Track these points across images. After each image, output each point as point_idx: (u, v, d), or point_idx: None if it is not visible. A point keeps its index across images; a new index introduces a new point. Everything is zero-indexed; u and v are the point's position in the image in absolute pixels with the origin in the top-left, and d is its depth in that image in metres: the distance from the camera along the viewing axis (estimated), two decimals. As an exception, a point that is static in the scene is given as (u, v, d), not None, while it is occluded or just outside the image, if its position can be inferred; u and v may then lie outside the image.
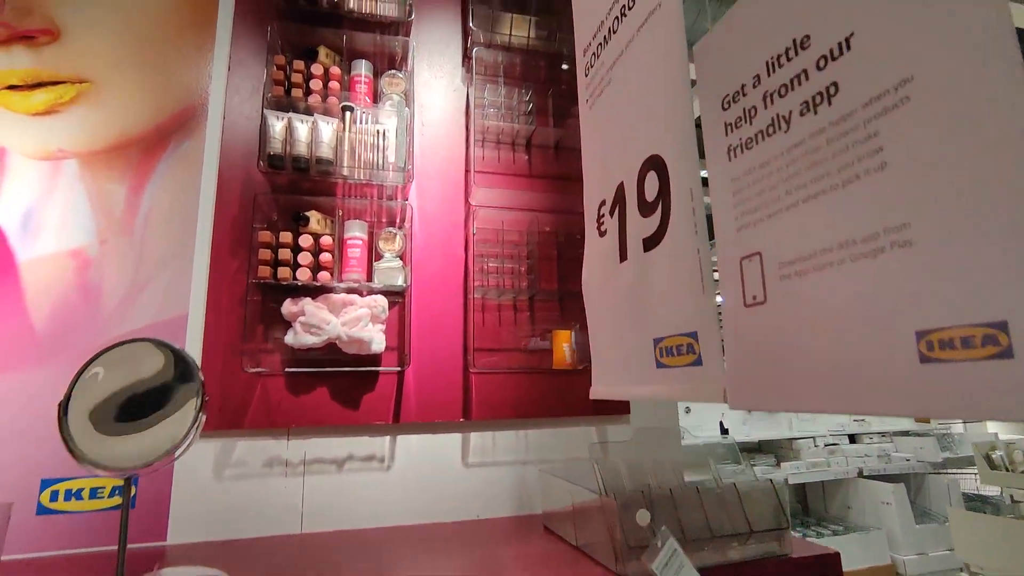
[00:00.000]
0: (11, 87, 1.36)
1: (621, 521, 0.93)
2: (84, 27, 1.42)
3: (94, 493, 1.21)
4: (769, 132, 0.54)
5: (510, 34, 1.59)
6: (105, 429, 0.92)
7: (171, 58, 1.45)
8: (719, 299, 0.63)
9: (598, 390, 0.94)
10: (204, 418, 0.95)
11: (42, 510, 1.17)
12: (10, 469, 1.18)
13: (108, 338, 1.28)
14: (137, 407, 0.94)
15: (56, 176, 1.34)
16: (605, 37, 0.87)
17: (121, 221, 1.35)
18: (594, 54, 0.92)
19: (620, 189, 0.81)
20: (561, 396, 1.46)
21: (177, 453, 0.93)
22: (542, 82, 1.63)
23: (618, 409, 1.50)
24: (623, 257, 0.79)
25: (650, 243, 0.72)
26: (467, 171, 1.54)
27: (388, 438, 1.37)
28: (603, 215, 0.87)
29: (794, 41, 0.52)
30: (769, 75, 0.55)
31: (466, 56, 1.61)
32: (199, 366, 0.96)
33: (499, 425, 1.43)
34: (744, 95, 0.58)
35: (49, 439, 1.20)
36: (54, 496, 1.19)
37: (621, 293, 0.79)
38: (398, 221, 1.46)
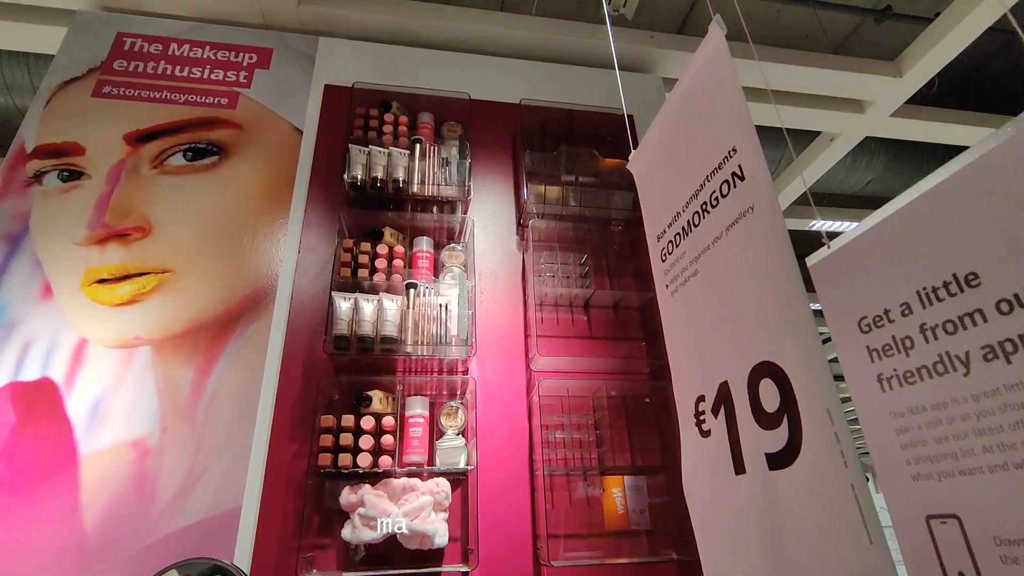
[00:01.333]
0: (100, 281, 1.45)
1: None
2: (172, 223, 1.54)
3: None
4: (939, 370, 0.49)
5: (561, 203, 1.66)
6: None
7: (246, 244, 1.55)
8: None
9: None
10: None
11: None
12: None
13: (159, 537, 1.20)
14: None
15: (129, 364, 1.37)
16: (684, 228, 0.87)
17: (185, 407, 1.34)
18: (671, 241, 0.92)
19: (724, 389, 0.75)
20: (647, 592, 1.27)
21: None
22: (595, 244, 1.66)
23: (714, 607, 1.29)
24: (740, 469, 0.71)
25: (778, 461, 0.64)
26: (527, 336, 1.52)
27: (452, 653, 1.18)
28: (703, 412, 0.80)
29: (955, 276, 0.49)
30: (924, 306, 0.51)
31: (520, 224, 1.67)
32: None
33: (578, 632, 1.24)
34: (890, 321, 0.54)
35: (81, 667, 1.08)
36: None
37: (742, 512, 0.69)
38: (459, 393, 1.41)
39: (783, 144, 2.86)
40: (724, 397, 0.75)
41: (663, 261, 0.96)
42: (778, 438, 0.64)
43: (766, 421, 0.67)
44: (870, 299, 0.57)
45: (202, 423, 1.33)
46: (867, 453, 0.58)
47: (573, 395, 1.46)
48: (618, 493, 1.35)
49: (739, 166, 0.74)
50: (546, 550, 1.26)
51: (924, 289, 0.51)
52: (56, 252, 1.47)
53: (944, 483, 0.47)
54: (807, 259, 0.65)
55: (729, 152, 0.76)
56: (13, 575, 1.14)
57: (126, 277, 1.46)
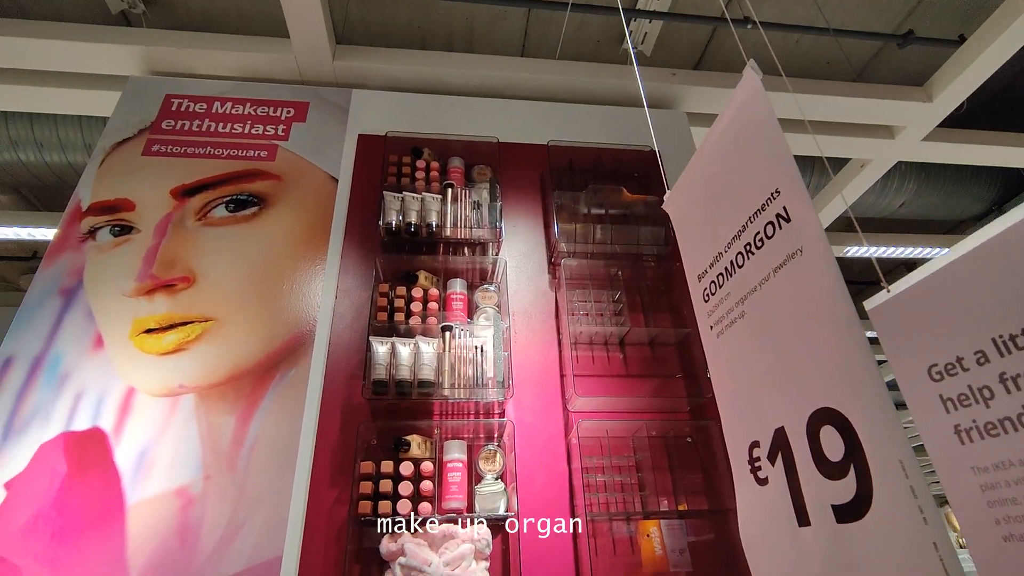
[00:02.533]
0: (147, 331, 1.50)
1: None
2: (215, 272, 1.59)
3: None
4: (1023, 422, 0.47)
5: (591, 241, 1.66)
6: None
7: (285, 291, 1.59)
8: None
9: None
10: None
11: None
12: None
13: (200, 589, 1.20)
14: None
15: (174, 412, 1.40)
16: (727, 269, 0.86)
17: (227, 454, 1.36)
18: (713, 282, 0.91)
19: (780, 435, 0.72)
20: (700, 647, 1.21)
21: None
22: (628, 280, 1.65)
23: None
24: (803, 521, 0.68)
25: (847, 514, 0.61)
26: (563, 376, 1.50)
27: None
28: (758, 459, 0.77)
29: (1033, 325, 0.47)
30: (1002, 355, 0.49)
31: (551, 263, 1.68)
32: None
33: None
34: (964, 369, 0.51)
35: None
36: None
37: (810, 567, 0.66)
38: (496, 436, 1.39)
39: (809, 171, 2.83)
40: (781, 444, 0.72)
41: (706, 302, 0.95)
42: (845, 489, 0.61)
43: (830, 471, 0.64)
44: (940, 346, 0.54)
45: (243, 471, 1.34)
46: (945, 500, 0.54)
47: (612, 436, 1.43)
48: (655, 533, 1.30)
49: (784, 208, 0.73)
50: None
51: (1000, 337, 0.49)
52: (107, 304, 1.53)
53: (1041, 547, 0.44)
54: (865, 303, 0.63)
55: (772, 194, 0.75)
56: (61, 628, 1.14)
57: (172, 327, 1.51)
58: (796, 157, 0.73)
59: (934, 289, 0.55)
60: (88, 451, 1.33)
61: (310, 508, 1.28)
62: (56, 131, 2.59)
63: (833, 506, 0.63)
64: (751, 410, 0.79)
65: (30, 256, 4.09)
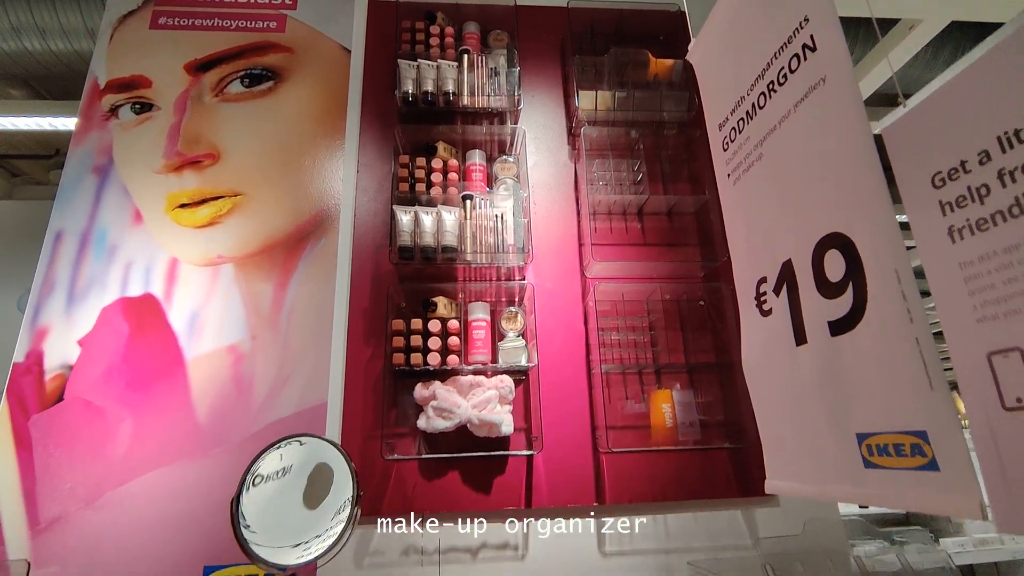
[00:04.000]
0: (181, 205, 1.56)
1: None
2: (238, 148, 1.62)
3: (249, 582, 1.25)
4: (1013, 213, 0.49)
5: (613, 108, 1.62)
6: (268, 526, 0.96)
7: (307, 166, 1.62)
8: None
9: (777, 485, 0.86)
10: (359, 514, 0.97)
11: (204, 599, 1.23)
12: (178, 555, 1.25)
13: (259, 428, 1.37)
14: (298, 502, 0.98)
15: (215, 280, 1.50)
16: (748, 112, 0.85)
17: (269, 317, 1.47)
18: (734, 128, 0.91)
19: (787, 267, 0.76)
20: (701, 475, 1.36)
21: (333, 553, 0.94)
22: (649, 149, 1.63)
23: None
24: (801, 340, 0.73)
25: (840, 327, 0.66)
26: (581, 245, 1.55)
27: (520, 524, 1.32)
28: (764, 293, 0.82)
29: (1035, 118, 0.47)
30: (1004, 150, 0.50)
31: (571, 134, 1.66)
32: (355, 469, 0.98)
33: (636, 509, 1.34)
34: (967, 172, 0.53)
35: (211, 527, 1.28)
36: (214, 585, 1.24)
37: (803, 380, 0.72)
38: (517, 300, 1.47)
39: (854, 38, 2.62)
40: (787, 275, 0.77)
41: (725, 150, 0.95)
42: (841, 305, 0.66)
43: (830, 291, 0.68)
44: (946, 153, 0.55)
45: (285, 332, 1.46)
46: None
47: (628, 299, 1.49)
48: (667, 408, 1.39)
49: (811, 36, 0.71)
50: (604, 438, 1.35)
51: (1006, 133, 0.50)
52: (140, 181, 1.59)
53: (1009, 320, 0.49)
54: (880, 124, 0.63)
55: (800, 22, 0.72)
56: (147, 456, 1.33)
57: (203, 201, 1.57)
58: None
59: (946, 96, 0.55)
60: (144, 314, 1.46)
61: (349, 362, 1.40)
62: (56, 16, 2.51)
63: (829, 322, 0.69)
64: (761, 248, 0.83)
65: (53, 153, 4.13)
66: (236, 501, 0.95)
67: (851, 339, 0.64)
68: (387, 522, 1.28)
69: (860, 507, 3.52)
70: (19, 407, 1.36)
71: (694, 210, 1.59)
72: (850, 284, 0.65)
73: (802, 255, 0.73)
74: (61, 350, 1.41)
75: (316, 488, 0.98)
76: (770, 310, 0.81)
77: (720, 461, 1.37)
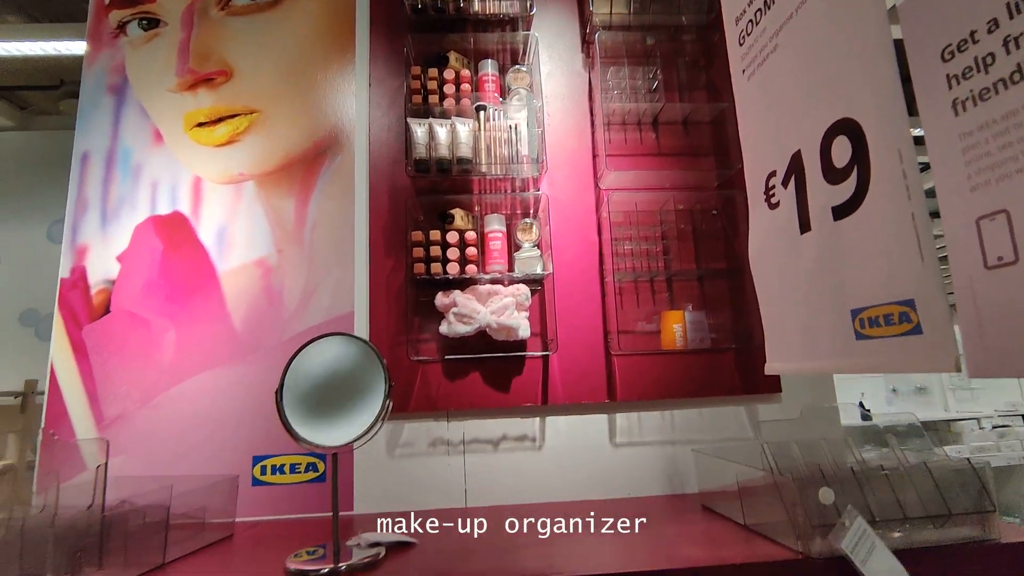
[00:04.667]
0: (199, 124, 1.59)
1: (802, 499, 0.90)
2: (251, 66, 1.61)
3: (293, 468, 1.39)
4: (1015, 79, 0.50)
5: (630, 13, 1.56)
6: (310, 413, 1.06)
7: (320, 83, 1.61)
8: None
9: (775, 367, 0.92)
10: (391, 404, 1.06)
11: (256, 482, 1.38)
12: (229, 448, 1.39)
13: (291, 335, 1.46)
14: (335, 393, 1.07)
15: (239, 197, 1.55)
16: (765, 3, 0.83)
17: (293, 232, 1.53)
18: (751, 21, 0.89)
19: (796, 159, 0.78)
20: (708, 375, 1.44)
21: (371, 434, 1.04)
22: (665, 56, 1.59)
23: (769, 387, 1.45)
24: (805, 228, 0.77)
25: (842, 211, 0.69)
26: (595, 156, 1.55)
27: (537, 419, 1.43)
28: (773, 187, 0.84)
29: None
30: (1012, 16, 0.50)
31: (585, 41, 1.61)
32: (385, 364, 1.06)
33: (645, 406, 1.44)
34: (975, 42, 0.53)
35: (256, 422, 1.41)
36: (263, 471, 1.38)
37: (804, 265, 0.76)
38: (532, 211, 1.50)
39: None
40: (795, 166, 0.79)
41: (740, 45, 0.93)
42: (845, 190, 0.69)
43: (835, 177, 0.71)
44: (957, 24, 0.55)
45: (309, 246, 1.52)
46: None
47: (641, 209, 1.52)
48: (678, 329, 1.44)
49: (830, -87, 0.68)
50: (616, 341, 1.42)
51: (1012, 1, 0.50)
52: (156, 100, 1.60)
53: (1000, 186, 0.51)
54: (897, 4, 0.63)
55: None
56: (192, 362, 1.44)
57: (220, 120, 1.59)
58: None
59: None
60: (175, 231, 1.52)
61: (372, 273, 1.47)
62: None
63: (832, 208, 0.72)
64: (772, 142, 0.84)
65: (58, 84, 4.08)
66: (280, 392, 1.05)
67: (852, 222, 0.67)
68: (415, 418, 1.39)
69: (862, 417, 3.66)
70: (72, 319, 1.47)
71: (711, 119, 1.57)
72: (855, 168, 0.67)
73: (811, 144, 0.74)
74: (102, 266, 1.50)
75: (351, 380, 1.07)
76: (777, 203, 0.83)
77: (726, 362, 1.45)
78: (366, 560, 0.97)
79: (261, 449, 1.39)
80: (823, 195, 0.73)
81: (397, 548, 1.05)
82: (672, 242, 1.51)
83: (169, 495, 1.05)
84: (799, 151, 0.77)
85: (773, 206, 0.84)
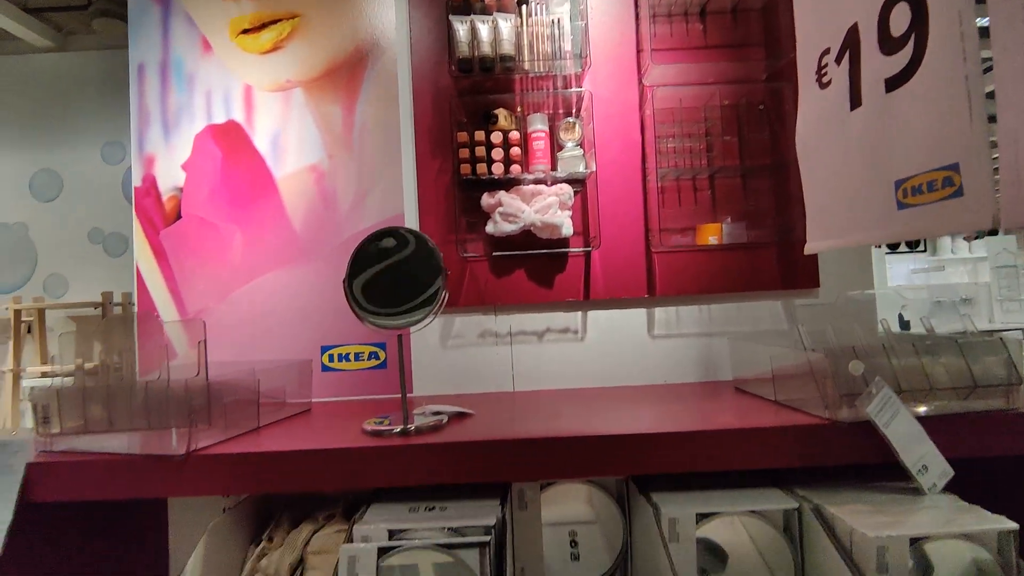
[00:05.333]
0: (244, 31, 1.61)
1: (832, 371, 0.97)
2: (288, -35, 1.60)
3: (357, 356, 1.53)
4: None
5: None
6: (374, 299, 1.16)
7: (358, -19, 1.59)
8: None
9: (815, 245, 0.96)
10: (446, 295, 1.15)
11: (324, 368, 1.53)
12: (300, 339, 1.54)
13: (347, 237, 1.56)
14: (396, 282, 1.17)
15: (288, 104, 1.60)
16: None
17: (342, 137, 1.58)
18: None
19: (852, 32, 0.77)
20: (746, 271, 1.48)
21: (426, 322, 1.14)
22: (715, -63, 1.49)
23: (806, 282, 1.48)
24: (856, 104, 0.77)
25: (895, 82, 0.69)
26: (639, 51, 1.52)
27: (579, 313, 1.52)
28: (825, 65, 0.84)
29: None
30: None
31: (630, -76, 1.52)
32: (440, 254, 1.14)
33: (683, 300, 1.50)
34: None
35: (321, 315, 1.54)
36: (331, 358, 1.53)
37: (850, 142, 0.78)
38: (575, 110, 1.51)
39: None
40: (851, 40, 0.78)
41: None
42: (900, 59, 0.69)
43: (891, 46, 0.70)
44: None
45: (358, 150, 1.58)
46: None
47: (685, 105, 1.50)
48: (714, 241, 1.46)
49: None
50: (657, 238, 1.47)
51: None
52: (200, 7, 1.62)
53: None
54: None
55: None
56: (258, 263, 1.57)
57: (263, 26, 1.60)
58: None
59: None
60: (232, 139, 1.60)
61: (419, 175, 1.53)
62: None
63: (886, 79, 0.72)
64: (828, 18, 0.83)
65: (85, 5, 4.06)
66: (347, 280, 1.15)
67: (904, 92, 0.68)
68: (465, 311, 1.50)
69: (901, 327, 3.64)
70: (149, 224, 1.59)
71: (761, 5, 1.50)
72: (912, 36, 0.66)
73: (869, 15, 0.73)
74: (169, 174, 1.60)
75: (410, 268, 1.15)
76: (829, 81, 0.83)
77: (765, 258, 1.48)
78: (431, 424, 1.10)
79: (328, 339, 1.53)
80: (877, 67, 0.72)
81: (456, 417, 1.18)
82: (716, 139, 1.50)
83: (255, 375, 1.20)
84: (855, 24, 0.76)
85: (824, 85, 0.84)
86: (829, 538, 0.86)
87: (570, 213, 1.46)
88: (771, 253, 1.47)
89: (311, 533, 1.05)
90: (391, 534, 0.90)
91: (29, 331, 3.09)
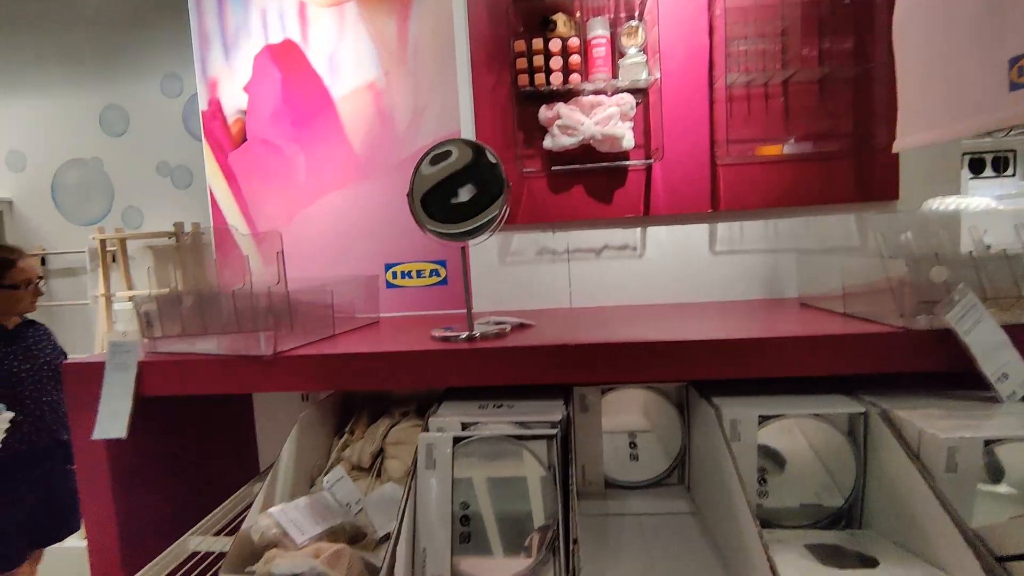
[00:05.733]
0: (294, -57, 1.57)
1: (912, 277, 0.93)
2: None
3: (419, 274, 1.59)
4: None
5: None
6: (437, 212, 1.18)
7: None
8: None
9: (907, 141, 0.90)
10: (507, 209, 1.15)
11: (389, 285, 1.60)
12: (364, 257, 1.60)
13: (406, 155, 1.57)
14: (458, 194, 1.18)
15: (343, 20, 1.58)
16: None
17: (397, 53, 1.56)
18: None
19: None
20: (818, 183, 1.40)
21: (487, 234, 1.15)
22: None
23: (884, 193, 1.39)
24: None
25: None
26: (710, -59, 1.39)
27: (639, 229, 1.50)
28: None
29: None
30: None
31: None
32: (501, 166, 1.13)
33: (748, 215, 1.46)
34: None
35: (384, 234, 1.59)
36: (394, 275, 1.59)
37: (956, 20, 0.70)
38: (637, 13, 1.42)
39: None
40: None
41: None
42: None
43: None
44: None
45: (413, 66, 1.56)
46: None
47: (760, 3, 1.38)
48: (788, 149, 1.38)
49: None
50: (725, 149, 1.40)
51: None
52: (250, -81, 1.59)
53: None
54: None
55: None
56: (322, 183, 1.61)
57: (313, -65, 1.56)
58: None
59: None
60: (289, 59, 1.60)
61: (476, 90, 1.50)
62: None
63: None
64: None
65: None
66: (411, 194, 1.17)
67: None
68: (522, 229, 1.51)
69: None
70: (218, 147, 1.65)
71: None
72: None
73: None
74: (233, 96, 1.63)
75: (471, 180, 1.16)
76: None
77: (840, 169, 1.40)
78: (495, 331, 1.14)
79: (392, 257, 1.59)
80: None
81: (518, 327, 1.22)
82: (792, 40, 1.38)
83: (328, 288, 1.26)
84: None
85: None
86: (897, 440, 0.86)
87: (631, 124, 1.41)
88: (846, 164, 1.39)
89: (388, 428, 1.15)
90: (464, 426, 0.96)
91: (114, 260, 3.33)
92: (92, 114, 3.59)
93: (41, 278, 1.91)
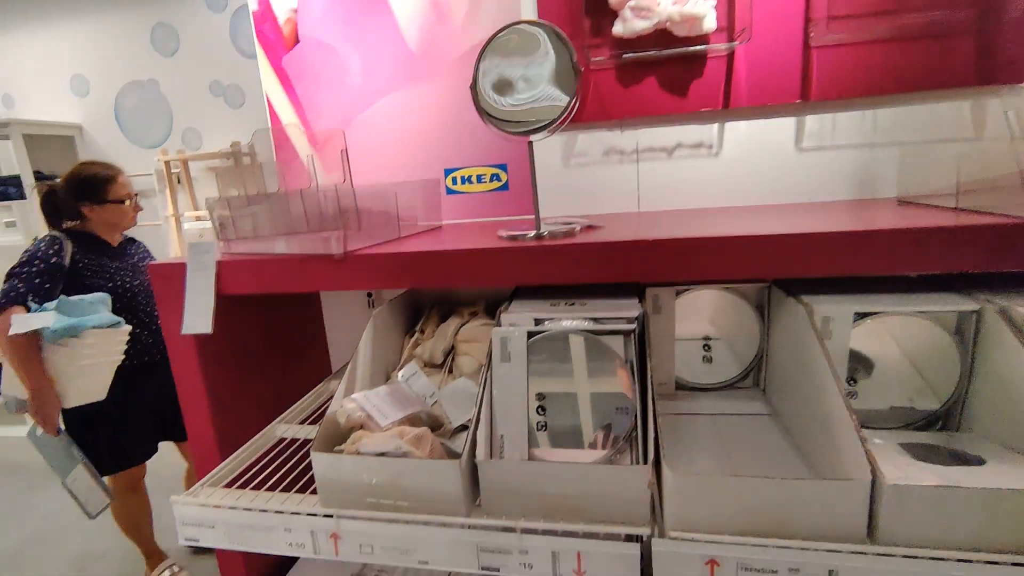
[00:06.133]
0: None
1: (1053, 157, 0.81)
2: None
3: (479, 179, 1.54)
4: None
5: None
6: (502, 105, 1.10)
7: None
8: None
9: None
10: (577, 101, 1.06)
11: (449, 191, 1.56)
12: (423, 162, 1.56)
13: (463, 51, 1.48)
14: (525, 83, 1.10)
15: (391, -102, 1.44)
16: None
17: (451, -67, 1.43)
18: None
19: None
20: (929, 65, 1.23)
21: (563, 118, 1.08)
22: None
23: (1011, 75, 1.21)
24: None
25: None
26: None
27: (716, 125, 1.38)
28: None
29: None
30: None
31: None
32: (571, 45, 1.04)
33: (842, 105, 1.31)
34: None
35: (444, 137, 1.53)
36: (454, 181, 1.55)
37: None
38: None
39: None
40: None
41: None
42: None
43: None
44: None
45: (469, -51, 1.42)
46: None
47: None
48: None
49: None
50: (823, 26, 1.24)
51: None
52: None
53: None
54: None
55: None
56: (378, 86, 1.55)
57: None
58: None
59: None
60: (338, -52, 1.50)
61: (538, -29, 1.36)
62: None
63: None
64: None
65: None
66: (474, 85, 1.10)
67: None
68: (588, 128, 1.42)
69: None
70: (271, 51, 1.61)
71: None
72: None
73: None
74: (282, -6, 1.56)
75: (539, 68, 1.08)
76: None
77: (957, 47, 1.21)
78: (563, 231, 1.10)
79: (451, 162, 1.54)
80: None
81: (586, 228, 1.17)
82: None
83: (392, 191, 1.24)
84: None
85: None
86: (1017, 338, 0.79)
87: (714, 2, 1.26)
88: (965, 41, 1.20)
89: (459, 326, 1.15)
90: (536, 322, 0.95)
91: (179, 181, 3.44)
92: (144, 34, 3.59)
93: (137, 194, 1.93)
